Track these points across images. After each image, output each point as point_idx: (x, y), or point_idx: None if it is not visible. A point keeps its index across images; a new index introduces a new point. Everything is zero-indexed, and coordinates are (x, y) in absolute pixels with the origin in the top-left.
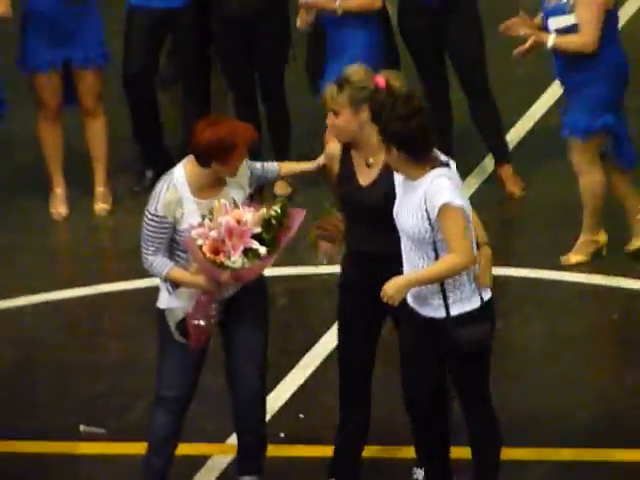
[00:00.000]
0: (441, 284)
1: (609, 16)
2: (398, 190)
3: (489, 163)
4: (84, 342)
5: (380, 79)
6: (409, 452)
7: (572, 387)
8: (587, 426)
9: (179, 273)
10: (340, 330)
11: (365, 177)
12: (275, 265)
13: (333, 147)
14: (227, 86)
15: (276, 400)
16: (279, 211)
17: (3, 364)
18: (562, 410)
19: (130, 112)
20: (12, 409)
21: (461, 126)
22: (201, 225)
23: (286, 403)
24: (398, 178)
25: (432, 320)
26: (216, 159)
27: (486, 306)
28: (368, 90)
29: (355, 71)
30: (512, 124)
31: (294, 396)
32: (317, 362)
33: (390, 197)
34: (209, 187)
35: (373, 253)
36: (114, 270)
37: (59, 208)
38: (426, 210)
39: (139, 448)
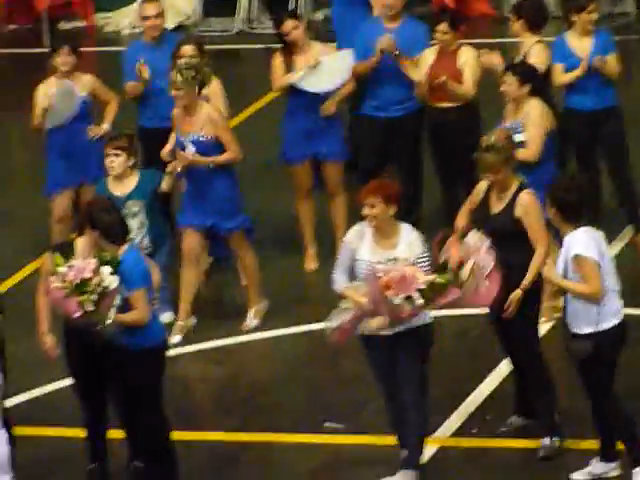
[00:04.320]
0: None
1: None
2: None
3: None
4: (328, 362)
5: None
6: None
7: None
8: None
9: (350, 291)
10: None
11: (496, 207)
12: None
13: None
14: None
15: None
16: (444, 281)
17: (269, 378)
18: None
19: None
20: (272, 411)
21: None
22: (381, 264)
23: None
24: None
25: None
26: None
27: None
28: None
29: (498, 135)
30: None
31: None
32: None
33: (508, 223)
34: (383, 236)
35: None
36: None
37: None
38: (565, 260)
39: (372, 439)
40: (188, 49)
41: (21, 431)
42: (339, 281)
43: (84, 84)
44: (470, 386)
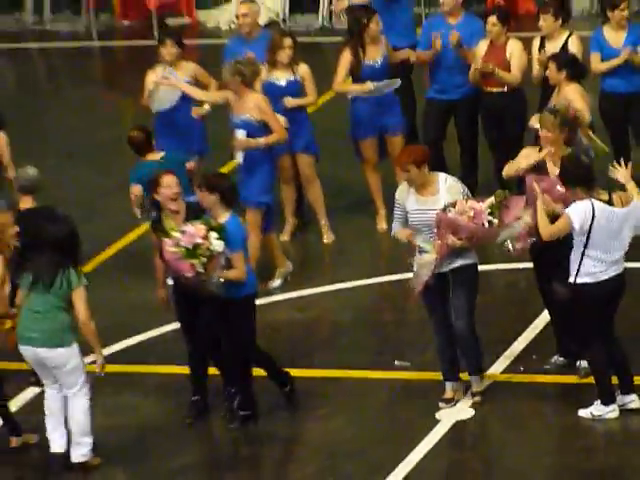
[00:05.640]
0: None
1: None
2: None
3: None
4: (397, 308)
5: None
6: None
7: None
8: None
9: (401, 233)
10: None
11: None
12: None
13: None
14: None
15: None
16: (500, 198)
17: (345, 323)
18: None
19: None
20: (349, 351)
21: None
22: (447, 211)
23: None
24: None
25: None
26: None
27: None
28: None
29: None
30: None
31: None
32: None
33: None
34: (422, 188)
35: None
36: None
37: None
38: None
39: (432, 375)
40: (287, 41)
41: (132, 369)
42: (394, 228)
43: (187, 70)
44: (517, 330)
